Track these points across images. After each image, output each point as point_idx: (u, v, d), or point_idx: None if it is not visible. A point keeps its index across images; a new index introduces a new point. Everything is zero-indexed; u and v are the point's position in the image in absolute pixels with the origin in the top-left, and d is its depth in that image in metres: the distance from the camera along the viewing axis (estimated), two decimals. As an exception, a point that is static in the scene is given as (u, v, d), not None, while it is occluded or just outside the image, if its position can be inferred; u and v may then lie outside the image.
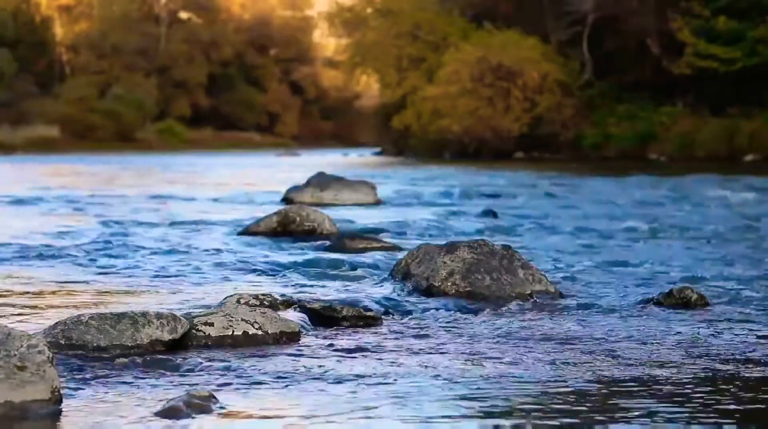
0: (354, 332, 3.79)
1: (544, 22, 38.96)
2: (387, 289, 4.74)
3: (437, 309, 4.24)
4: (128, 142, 52.65)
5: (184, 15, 68.58)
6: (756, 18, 32.77)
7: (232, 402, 2.75)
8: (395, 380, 3.03)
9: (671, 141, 33.54)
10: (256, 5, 71.85)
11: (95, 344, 3.28)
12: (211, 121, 63.20)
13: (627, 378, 3.08)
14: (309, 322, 3.87)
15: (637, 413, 2.69)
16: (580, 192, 14.41)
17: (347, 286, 4.92)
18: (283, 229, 7.59)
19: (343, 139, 66.50)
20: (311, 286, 4.94)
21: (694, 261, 6.11)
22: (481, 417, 2.66)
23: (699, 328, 3.91)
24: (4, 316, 3.95)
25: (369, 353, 3.41)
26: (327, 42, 64.58)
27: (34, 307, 4.23)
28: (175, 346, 3.39)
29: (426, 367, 3.21)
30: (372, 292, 4.66)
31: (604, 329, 3.87)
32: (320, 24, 57.86)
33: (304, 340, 3.62)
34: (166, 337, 3.38)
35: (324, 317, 3.93)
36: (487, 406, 2.75)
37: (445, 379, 3.04)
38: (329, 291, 4.72)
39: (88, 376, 3.02)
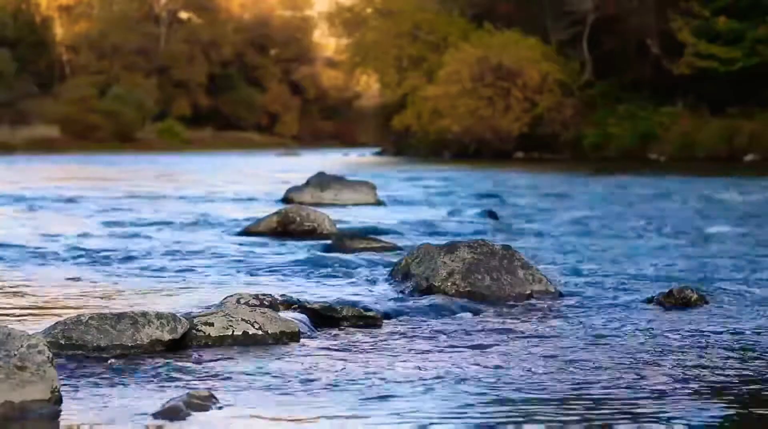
0: (354, 332, 3.79)
1: (544, 22, 38.98)
2: (387, 289, 4.73)
3: (437, 309, 4.24)
4: (128, 142, 52.66)
5: (184, 15, 68.60)
6: (756, 18, 32.77)
7: (232, 402, 2.75)
8: (395, 381, 3.03)
9: (671, 141, 33.54)
10: (256, 5, 71.87)
11: (95, 344, 3.28)
12: (211, 121, 63.21)
13: (627, 378, 3.08)
14: (309, 322, 3.87)
15: (637, 413, 2.69)
16: (580, 192, 14.41)
17: (347, 286, 4.92)
18: (283, 229, 7.59)
19: (343, 139, 66.48)
20: (311, 286, 4.94)
21: (694, 261, 6.11)
22: (480, 417, 2.66)
23: (699, 328, 3.91)
24: (4, 316, 3.95)
25: (369, 353, 3.41)
26: (327, 42, 64.65)
27: (34, 307, 4.23)
28: (175, 346, 3.39)
29: (426, 367, 3.21)
30: (372, 292, 4.66)
31: (604, 329, 3.87)
32: (320, 24, 57.97)
33: (304, 340, 3.61)
34: (166, 337, 3.38)
35: (324, 317, 3.93)
36: (487, 407, 2.75)
37: (445, 380, 3.04)
38: (329, 291, 4.72)
39: (88, 376, 3.01)
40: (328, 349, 3.48)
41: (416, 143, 41.49)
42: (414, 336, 3.73)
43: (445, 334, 3.77)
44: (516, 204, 11.85)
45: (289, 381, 3.01)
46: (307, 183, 12.04)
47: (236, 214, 9.55)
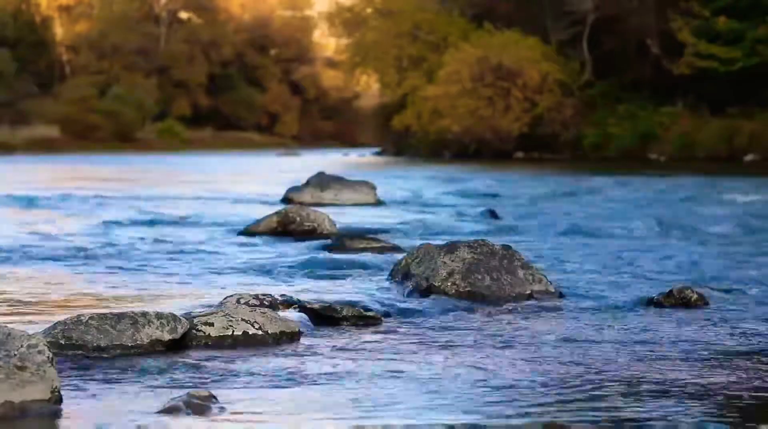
0: (354, 332, 3.79)
1: (544, 22, 38.97)
2: (387, 289, 4.73)
3: (437, 309, 4.24)
4: (128, 142, 52.62)
5: (184, 15, 68.59)
6: (756, 18, 32.77)
7: (232, 402, 2.75)
8: (396, 380, 3.03)
9: (671, 141, 33.53)
10: (256, 5, 71.85)
11: (95, 344, 3.28)
12: (211, 121, 63.19)
13: (627, 377, 3.08)
14: (309, 322, 3.87)
15: (636, 413, 2.69)
16: (580, 192, 14.41)
17: (347, 286, 4.92)
18: (283, 229, 7.59)
19: (343, 139, 66.46)
20: (311, 286, 4.93)
21: (694, 261, 6.11)
22: (479, 417, 2.66)
23: (698, 328, 3.91)
24: (4, 316, 3.95)
25: (369, 353, 3.41)
26: (327, 42, 64.62)
27: (34, 307, 4.23)
28: (175, 346, 3.39)
29: (426, 366, 3.21)
30: (372, 292, 4.66)
31: (603, 329, 3.87)
32: (320, 24, 57.95)
33: (304, 340, 3.62)
34: (166, 337, 3.38)
35: (324, 317, 3.93)
36: (487, 406, 2.75)
37: (445, 379, 3.04)
38: (329, 291, 4.72)
39: (88, 376, 3.01)
40: (328, 348, 3.48)
41: (416, 143, 41.47)
42: (414, 336, 3.73)
43: (444, 333, 3.77)
44: (516, 204, 11.85)
45: (289, 381, 3.01)
46: (307, 183, 12.03)
47: (236, 214, 9.55)
